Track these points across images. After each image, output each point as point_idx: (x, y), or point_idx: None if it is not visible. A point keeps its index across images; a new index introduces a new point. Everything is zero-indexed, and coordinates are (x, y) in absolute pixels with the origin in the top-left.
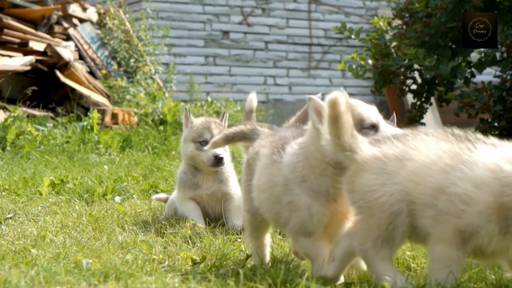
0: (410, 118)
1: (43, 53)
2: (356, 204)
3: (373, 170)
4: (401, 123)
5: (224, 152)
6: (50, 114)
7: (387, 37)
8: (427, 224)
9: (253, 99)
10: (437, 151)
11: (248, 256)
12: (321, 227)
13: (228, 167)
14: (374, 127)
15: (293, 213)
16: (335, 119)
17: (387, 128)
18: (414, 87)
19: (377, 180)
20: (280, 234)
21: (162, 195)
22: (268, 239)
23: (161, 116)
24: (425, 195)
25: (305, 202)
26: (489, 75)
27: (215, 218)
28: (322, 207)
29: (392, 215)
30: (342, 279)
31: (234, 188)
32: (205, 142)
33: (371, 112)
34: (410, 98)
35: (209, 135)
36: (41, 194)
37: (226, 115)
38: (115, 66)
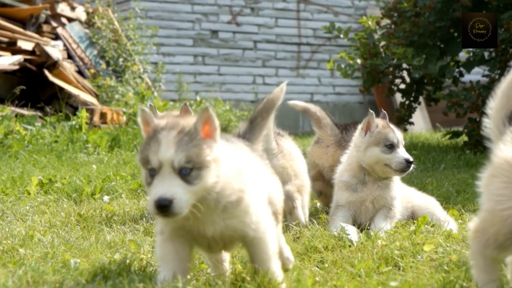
0: (399, 118)
1: (32, 53)
2: (482, 207)
3: (503, 178)
4: (390, 122)
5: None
6: (39, 114)
7: (376, 36)
8: None
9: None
10: None
11: None
12: None
13: None
14: (392, 146)
15: None
16: None
17: (401, 151)
18: (402, 86)
19: (505, 190)
20: None
21: None
22: None
23: None
24: None
25: None
26: (477, 74)
27: None
28: None
29: None
30: None
31: None
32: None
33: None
34: (398, 97)
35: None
36: (29, 193)
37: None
38: (104, 66)
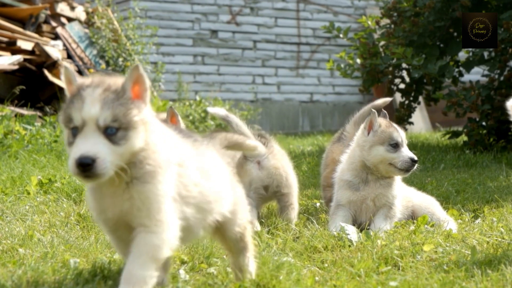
0: (399, 117)
1: (31, 52)
2: None
3: None
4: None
5: None
6: (38, 113)
7: (375, 36)
8: None
9: None
10: None
11: None
12: None
13: None
14: (397, 145)
15: None
16: None
17: (405, 150)
18: (402, 86)
19: None
20: (268, 232)
21: None
22: None
23: None
24: None
25: None
26: (477, 74)
27: None
28: None
29: None
30: None
31: None
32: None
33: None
34: (398, 97)
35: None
36: (29, 193)
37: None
38: (104, 65)
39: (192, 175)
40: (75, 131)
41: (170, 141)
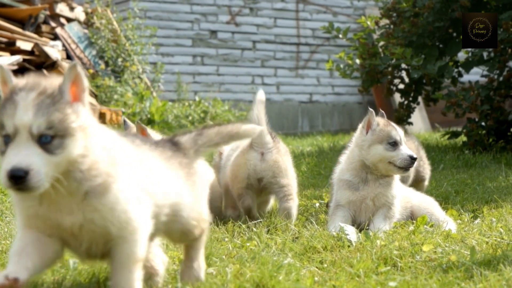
0: (398, 118)
1: (31, 53)
2: None
3: None
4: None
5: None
6: None
7: (375, 36)
8: None
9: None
10: None
11: None
12: None
13: None
14: (395, 144)
15: None
16: None
17: (404, 148)
18: (401, 86)
19: None
20: (268, 232)
21: None
22: None
23: (149, 116)
24: None
25: None
26: (476, 74)
27: None
28: None
29: None
30: None
31: None
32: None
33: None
34: (397, 97)
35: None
36: None
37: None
38: (103, 66)
39: (140, 175)
40: (8, 139)
41: (114, 143)
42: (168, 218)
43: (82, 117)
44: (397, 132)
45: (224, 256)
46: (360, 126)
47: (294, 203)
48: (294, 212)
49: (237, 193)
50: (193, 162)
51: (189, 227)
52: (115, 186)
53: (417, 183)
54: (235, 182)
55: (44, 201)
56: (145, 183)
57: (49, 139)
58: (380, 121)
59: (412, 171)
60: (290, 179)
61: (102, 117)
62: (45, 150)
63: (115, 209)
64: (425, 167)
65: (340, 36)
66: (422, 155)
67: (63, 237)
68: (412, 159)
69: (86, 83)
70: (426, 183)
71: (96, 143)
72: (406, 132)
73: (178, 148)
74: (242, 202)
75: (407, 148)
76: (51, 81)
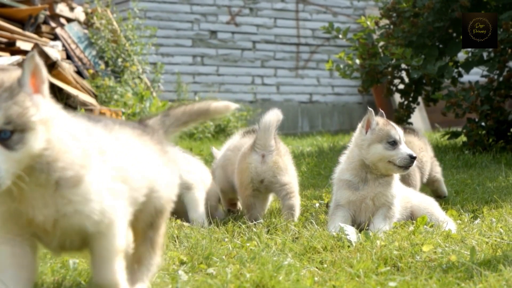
0: (398, 118)
1: None
2: None
3: None
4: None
5: None
6: None
7: (375, 36)
8: None
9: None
10: None
11: None
12: None
13: None
14: (395, 143)
15: None
16: None
17: (404, 147)
18: (401, 86)
19: None
20: (268, 232)
21: None
22: None
23: None
24: None
25: None
26: (476, 74)
27: None
28: None
29: None
30: None
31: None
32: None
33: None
34: (397, 97)
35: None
36: None
37: None
38: (103, 66)
39: (114, 161)
40: None
41: (82, 131)
42: (145, 198)
43: (43, 109)
44: (396, 131)
45: (224, 256)
46: (359, 125)
47: (296, 201)
48: (297, 209)
49: (246, 203)
50: (164, 141)
51: (162, 207)
52: (88, 177)
53: (432, 184)
54: (242, 189)
55: (16, 196)
56: (121, 169)
57: (8, 135)
58: (380, 121)
59: (418, 179)
60: (291, 177)
61: None
62: (4, 146)
63: (89, 201)
64: (436, 167)
65: (340, 36)
66: (432, 156)
67: (36, 235)
68: (412, 158)
69: (45, 73)
70: (441, 178)
71: (63, 134)
72: (417, 132)
73: (147, 129)
74: (250, 216)
75: (406, 147)
76: (9, 74)
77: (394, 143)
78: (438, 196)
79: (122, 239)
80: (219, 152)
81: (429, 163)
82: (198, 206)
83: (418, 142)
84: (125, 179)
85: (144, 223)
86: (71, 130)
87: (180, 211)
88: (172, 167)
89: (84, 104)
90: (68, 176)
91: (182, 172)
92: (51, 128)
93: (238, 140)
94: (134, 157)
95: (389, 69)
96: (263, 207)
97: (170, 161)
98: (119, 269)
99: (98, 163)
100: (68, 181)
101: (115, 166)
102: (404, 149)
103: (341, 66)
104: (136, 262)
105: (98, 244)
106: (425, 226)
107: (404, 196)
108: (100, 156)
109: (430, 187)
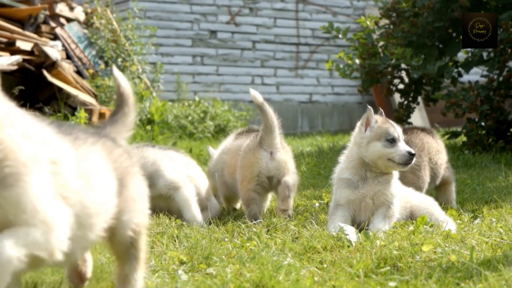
0: (398, 118)
1: (30, 53)
2: None
3: None
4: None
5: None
6: (37, 114)
7: (374, 36)
8: None
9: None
10: None
11: None
12: None
13: None
14: (394, 140)
15: None
16: None
17: (402, 144)
18: (401, 86)
19: None
20: (267, 232)
21: None
22: None
23: (149, 116)
24: None
25: None
26: (476, 74)
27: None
28: None
29: None
30: None
31: None
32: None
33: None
34: (397, 97)
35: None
36: None
37: None
38: (102, 66)
39: (69, 177)
40: None
41: (37, 135)
42: (114, 222)
43: None
44: (395, 129)
45: (224, 256)
46: (358, 123)
47: (292, 179)
48: (293, 187)
49: (246, 197)
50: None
51: (139, 227)
52: (26, 178)
53: (444, 187)
54: (245, 183)
55: None
56: (70, 190)
57: None
58: (378, 119)
59: (425, 181)
60: (295, 179)
61: (102, 117)
62: None
63: (21, 202)
64: (448, 170)
65: (340, 36)
66: (447, 160)
67: None
68: (411, 155)
69: None
70: (452, 187)
71: (12, 133)
72: (434, 134)
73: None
74: (249, 211)
75: (405, 144)
76: None
77: (393, 141)
78: (445, 203)
79: (51, 249)
80: (215, 151)
81: (443, 166)
82: (190, 206)
83: (435, 144)
84: (72, 202)
85: (123, 245)
86: (24, 131)
87: (173, 209)
88: (139, 190)
89: (84, 104)
90: (5, 175)
91: (166, 171)
92: (4, 128)
93: (231, 143)
94: (97, 180)
95: (389, 69)
96: (263, 205)
97: (138, 182)
98: (23, 258)
99: (43, 167)
100: (4, 180)
101: (63, 184)
102: (403, 146)
103: (341, 66)
104: (122, 282)
105: (23, 229)
106: (425, 226)
107: (404, 196)
108: (50, 166)
109: (440, 193)
